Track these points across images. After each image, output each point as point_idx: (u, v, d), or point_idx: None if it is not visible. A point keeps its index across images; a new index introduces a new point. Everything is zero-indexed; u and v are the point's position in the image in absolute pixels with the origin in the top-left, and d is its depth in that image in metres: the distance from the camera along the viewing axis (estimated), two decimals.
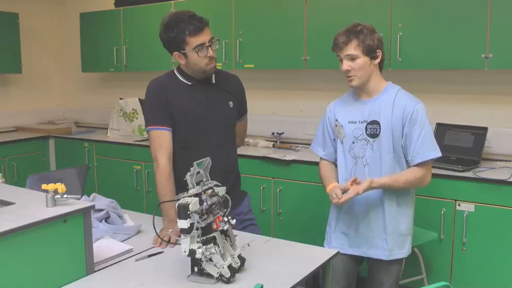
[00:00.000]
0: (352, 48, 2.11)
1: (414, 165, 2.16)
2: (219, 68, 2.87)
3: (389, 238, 2.19)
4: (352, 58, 2.12)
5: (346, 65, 2.13)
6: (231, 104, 2.32)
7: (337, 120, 2.27)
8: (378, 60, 2.16)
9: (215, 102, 2.28)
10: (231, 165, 2.35)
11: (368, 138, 2.17)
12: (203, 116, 2.24)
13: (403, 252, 2.24)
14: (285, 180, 3.55)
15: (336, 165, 2.35)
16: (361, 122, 2.19)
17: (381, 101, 2.18)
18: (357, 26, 2.14)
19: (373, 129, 2.16)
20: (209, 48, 2.13)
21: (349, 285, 2.34)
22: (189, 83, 2.24)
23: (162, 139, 2.19)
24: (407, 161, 2.19)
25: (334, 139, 2.31)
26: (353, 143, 2.21)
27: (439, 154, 2.16)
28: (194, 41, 2.11)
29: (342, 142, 2.25)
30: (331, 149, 2.34)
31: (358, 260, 2.32)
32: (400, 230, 2.22)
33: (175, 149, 2.21)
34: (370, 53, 2.12)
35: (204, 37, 2.11)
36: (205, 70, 2.18)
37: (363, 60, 2.12)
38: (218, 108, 2.28)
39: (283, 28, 3.78)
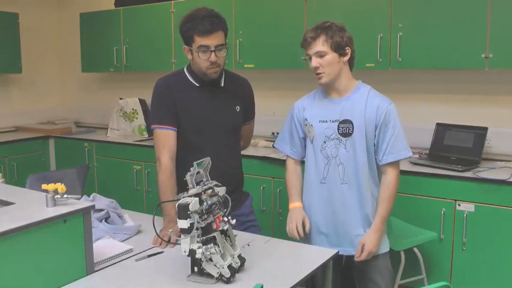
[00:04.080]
0: (320, 44, 2.10)
1: (383, 167, 2.18)
2: None
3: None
4: (321, 55, 2.11)
5: (314, 61, 2.13)
6: (237, 108, 2.31)
7: (306, 119, 2.25)
8: (347, 58, 2.16)
9: (221, 105, 2.26)
10: (234, 168, 2.34)
11: (340, 137, 2.17)
12: (207, 119, 2.23)
13: (385, 246, 2.25)
14: (285, 180, 3.55)
15: (300, 166, 2.35)
16: (333, 121, 2.18)
17: (352, 99, 2.18)
18: (325, 22, 2.14)
19: (345, 129, 2.16)
20: (213, 53, 2.10)
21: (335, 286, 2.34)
22: (197, 84, 2.23)
23: (166, 138, 2.19)
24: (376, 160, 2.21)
25: (304, 138, 2.30)
26: (324, 142, 2.20)
27: (410, 153, 2.22)
28: (199, 41, 2.09)
29: (312, 141, 2.24)
30: (300, 147, 2.33)
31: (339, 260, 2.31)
32: None
33: (178, 150, 2.21)
34: (338, 49, 2.12)
35: (210, 41, 2.08)
36: (205, 73, 2.16)
37: (331, 56, 2.11)
38: (224, 112, 2.27)
39: (283, 28, 3.78)
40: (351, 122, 2.15)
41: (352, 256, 2.23)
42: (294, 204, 2.29)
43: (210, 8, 2.16)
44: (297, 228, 2.20)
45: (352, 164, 2.17)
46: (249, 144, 2.60)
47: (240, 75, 2.43)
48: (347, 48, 2.14)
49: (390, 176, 2.18)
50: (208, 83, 2.22)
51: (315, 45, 2.12)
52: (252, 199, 2.46)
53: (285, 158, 3.49)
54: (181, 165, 2.16)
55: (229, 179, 2.15)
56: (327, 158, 2.20)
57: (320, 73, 2.14)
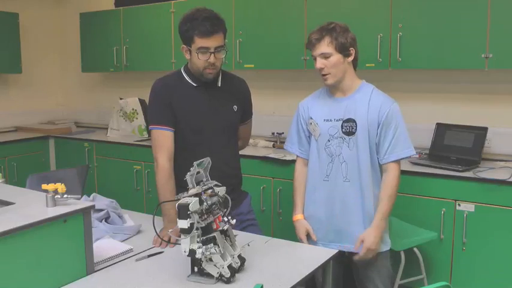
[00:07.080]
0: (325, 45, 2.13)
1: (385, 165, 2.20)
2: None
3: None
4: (326, 56, 2.14)
5: (319, 63, 2.15)
6: (235, 107, 2.32)
7: (311, 118, 2.28)
8: (351, 58, 2.19)
9: (219, 105, 2.27)
10: (232, 168, 2.34)
11: (344, 136, 2.20)
12: (205, 119, 2.24)
13: (385, 245, 2.26)
14: (285, 180, 3.55)
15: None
16: (337, 120, 2.21)
17: (356, 99, 2.21)
18: (330, 23, 2.17)
19: (349, 127, 2.19)
20: (212, 54, 2.11)
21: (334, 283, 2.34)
22: (194, 84, 2.24)
23: (163, 139, 2.19)
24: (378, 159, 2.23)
25: (309, 136, 2.32)
26: (328, 141, 2.23)
27: (413, 152, 2.24)
28: (200, 42, 2.10)
29: (316, 140, 2.26)
30: (307, 146, 2.35)
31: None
32: None
33: (176, 150, 2.21)
34: (343, 50, 2.14)
35: (210, 42, 2.09)
36: (202, 73, 2.17)
37: (336, 57, 2.14)
38: (221, 112, 2.27)
39: (283, 28, 3.78)
40: (354, 121, 2.18)
41: (353, 253, 2.24)
42: (297, 217, 2.34)
43: (210, 8, 2.17)
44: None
45: (355, 162, 2.19)
46: (247, 144, 2.61)
47: (238, 75, 2.44)
48: (351, 49, 2.17)
49: (392, 174, 2.19)
50: (205, 83, 2.23)
51: (319, 46, 2.14)
52: (250, 198, 2.47)
53: (284, 158, 3.53)
54: (180, 165, 2.17)
55: (227, 178, 2.14)
56: (331, 156, 2.22)
57: (326, 74, 2.16)
